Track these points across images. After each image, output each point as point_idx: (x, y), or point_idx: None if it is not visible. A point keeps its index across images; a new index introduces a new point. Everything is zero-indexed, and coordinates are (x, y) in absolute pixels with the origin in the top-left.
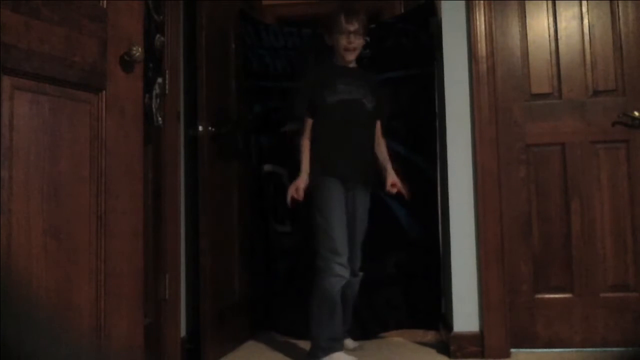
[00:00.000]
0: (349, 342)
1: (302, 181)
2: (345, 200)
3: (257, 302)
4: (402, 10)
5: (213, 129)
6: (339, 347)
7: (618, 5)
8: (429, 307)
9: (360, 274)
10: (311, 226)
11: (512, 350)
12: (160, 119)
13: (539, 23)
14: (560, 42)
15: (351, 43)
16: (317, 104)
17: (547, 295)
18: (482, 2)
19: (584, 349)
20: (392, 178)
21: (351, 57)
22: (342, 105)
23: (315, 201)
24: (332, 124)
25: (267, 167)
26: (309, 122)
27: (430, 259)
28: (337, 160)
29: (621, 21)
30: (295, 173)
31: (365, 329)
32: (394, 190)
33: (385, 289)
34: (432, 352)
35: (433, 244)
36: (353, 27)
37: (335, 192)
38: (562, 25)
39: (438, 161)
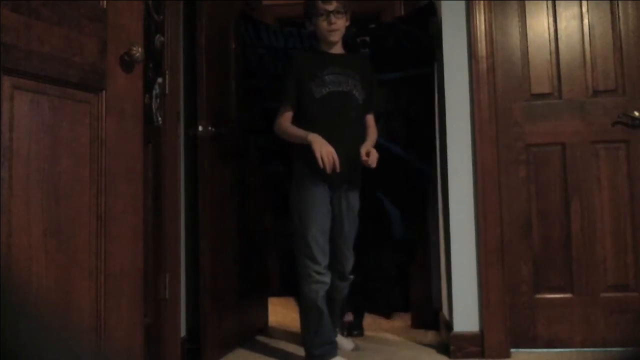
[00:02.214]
0: (347, 343)
1: (322, 141)
2: (330, 202)
3: (257, 302)
4: (402, 11)
5: (213, 129)
6: (334, 352)
7: (618, 5)
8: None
9: (351, 277)
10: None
11: (512, 350)
12: (160, 119)
13: (539, 23)
14: (560, 42)
15: (332, 23)
16: (304, 98)
17: (547, 295)
18: (482, 2)
19: (584, 349)
20: (366, 147)
21: (335, 37)
22: (331, 98)
23: (295, 203)
24: (320, 118)
25: (266, 167)
26: (289, 114)
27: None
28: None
29: (621, 21)
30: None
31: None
32: (366, 159)
33: (373, 284)
34: (432, 352)
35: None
36: (332, 6)
37: (317, 195)
38: (562, 25)
39: (438, 161)
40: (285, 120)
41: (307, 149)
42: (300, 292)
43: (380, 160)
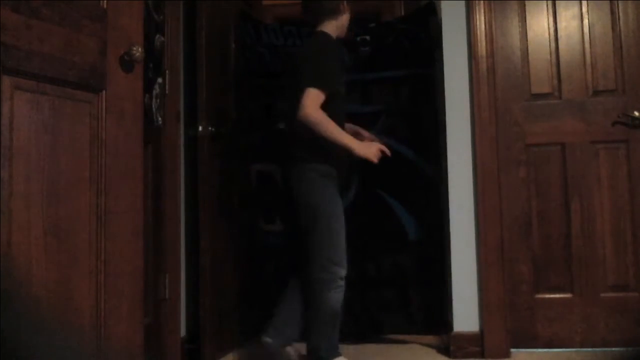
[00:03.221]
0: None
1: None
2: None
3: (255, 302)
4: (402, 11)
5: (213, 129)
6: (338, 352)
7: (618, 5)
8: (430, 312)
9: None
10: (309, 230)
11: (512, 350)
12: (160, 119)
13: (539, 23)
14: (560, 42)
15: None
16: (336, 92)
17: (547, 295)
18: (482, 2)
19: (584, 349)
20: (377, 143)
21: None
22: (344, 94)
23: (317, 204)
24: (339, 116)
25: (258, 166)
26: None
27: (433, 263)
28: (342, 159)
29: (621, 21)
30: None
31: (359, 331)
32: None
33: (382, 291)
34: (432, 352)
35: (436, 248)
36: None
37: (338, 197)
38: (562, 25)
39: (441, 161)
40: (324, 113)
41: (325, 148)
42: (318, 298)
43: (381, 158)
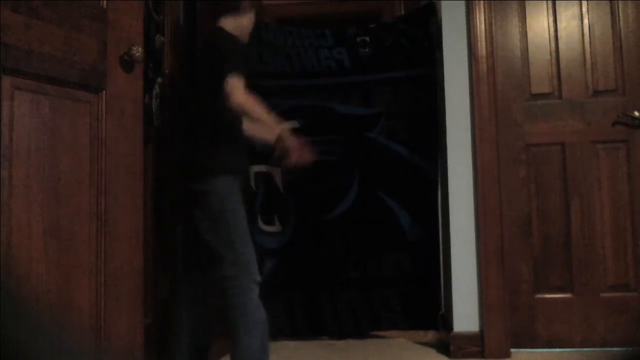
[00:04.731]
0: None
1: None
2: None
3: None
4: (402, 11)
5: None
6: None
7: (618, 5)
8: (425, 308)
9: None
10: (221, 237)
11: (512, 350)
12: (160, 119)
13: (539, 23)
14: (560, 42)
15: None
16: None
17: (547, 295)
18: (482, 2)
19: (584, 349)
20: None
21: None
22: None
23: (228, 210)
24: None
25: (258, 168)
26: None
27: (429, 261)
28: (246, 161)
29: (621, 21)
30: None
31: (359, 327)
32: None
33: (382, 289)
34: (432, 352)
35: (432, 247)
36: None
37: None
38: (562, 25)
39: (441, 161)
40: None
41: (236, 148)
42: (238, 308)
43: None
